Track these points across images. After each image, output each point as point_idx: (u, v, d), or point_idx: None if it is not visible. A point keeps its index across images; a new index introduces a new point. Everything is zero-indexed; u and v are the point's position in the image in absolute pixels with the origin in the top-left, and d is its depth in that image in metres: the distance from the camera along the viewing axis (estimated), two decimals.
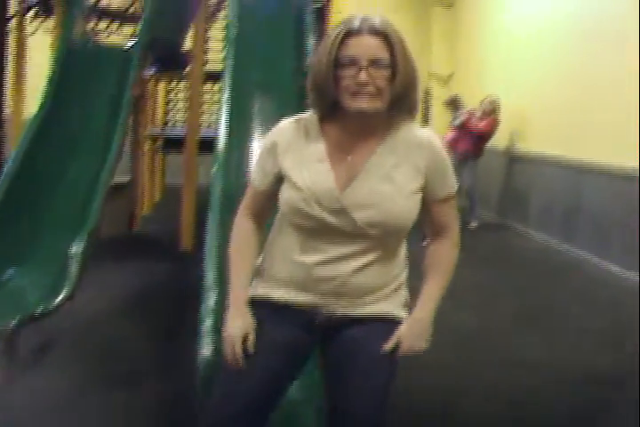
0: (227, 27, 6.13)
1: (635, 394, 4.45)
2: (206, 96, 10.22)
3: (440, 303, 2.43)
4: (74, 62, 6.49)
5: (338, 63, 2.23)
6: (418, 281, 2.45)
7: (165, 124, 11.17)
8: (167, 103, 11.34)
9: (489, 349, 5.30)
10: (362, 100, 2.22)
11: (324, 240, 2.31)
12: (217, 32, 9.35)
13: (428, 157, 2.34)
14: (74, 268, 5.05)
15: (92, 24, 8.18)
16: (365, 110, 2.24)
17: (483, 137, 10.53)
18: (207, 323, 3.62)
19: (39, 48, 8.90)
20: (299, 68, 5.79)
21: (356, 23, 2.23)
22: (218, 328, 3.35)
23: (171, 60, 9.10)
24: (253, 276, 2.48)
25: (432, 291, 2.42)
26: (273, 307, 2.39)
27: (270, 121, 5.27)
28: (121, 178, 8.40)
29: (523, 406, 4.32)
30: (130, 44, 7.13)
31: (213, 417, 2.32)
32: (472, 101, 11.13)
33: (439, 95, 13.60)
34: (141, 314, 5.74)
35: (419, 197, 2.34)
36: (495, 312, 6.27)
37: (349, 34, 2.22)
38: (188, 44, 8.88)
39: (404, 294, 2.48)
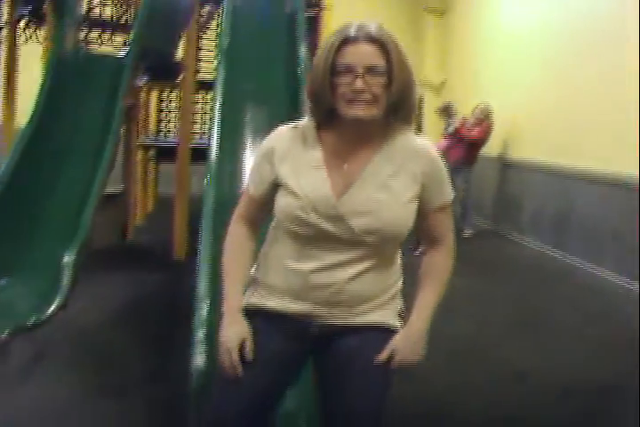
0: (219, 36, 6.13)
1: (630, 402, 4.45)
2: (198, 105, 10.22)
3: (435, 313, 2.42)
4: (66, 72, 6.48)
5: (334, 71, 2.24)
6: (411, 289, 2.45)
7: (158, 133, 11.15)
8: (159, 112, 11.33)
9: (482, 356, 5.29)
10: (358, 107, 2.22)
11: (320, 247, 2.30)
12: (209, 41, 9.36)
13: (424, 166, 2.34)
14: (66, 278, 5.04)
15: (83, 34, 8.17)
16: (362, 118, 2.24)
17: (475, 145, 10.53)
18: (200, 333, 3.61)
19: (31, 58, 8.89)
20: (291, 78, 5.80)
21: (353, 31, 2.23)
22: (211, 338, 3.35)
23: (163, 70, 9.10)
24: (247, 285, 2.47)
25: (427, 301, 2.41)
26: (266, 316, 2.39)
27: (262, 130, 5.28)
28: (113, 188, 8.39)
29: (517, 414, 4.31)
30: (122, 53, 7.12)
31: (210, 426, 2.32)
32: (464, 109, 11.14)
33: (432, 103, 13.62)
34: (134, 324, 5.72)
35: (415, 205, 2.34)
36: (489, 319, 6.27)
37: (346, 41, 2.23)
38: (180, 53, 8.88)
39: (398, 303, 2.48)
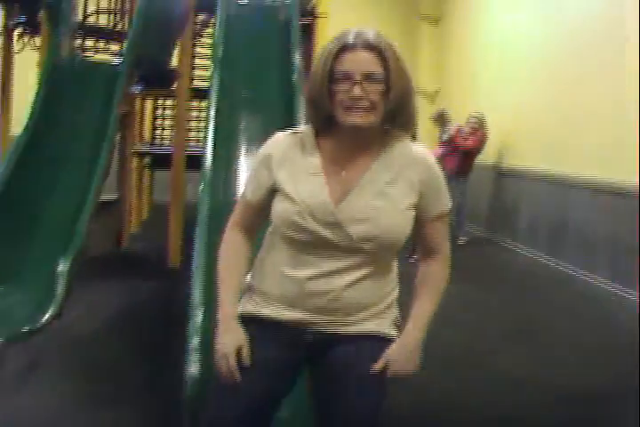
0: (213, 44, 6.14)
1: (628, 408, 4.45)
2: (193, 113, 10.22)
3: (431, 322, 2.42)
4: (61, 80, 6.48)
5: (332, 78, 2.24)
6: (407, 298, 2.45)
7: (153, 140, 11.14)
8: (154, 120, 11.32)
9: (478, 364, 5.29)
10: (356, 114, 2.22)
11: (317, 254, 2.29)
12: (204, 49, 9.37)
13: (422, 174, 2.34)
14: (61, 286, 5.02)
15: (78, 42, 8.17)
16: (359, 125, 2.24)
17: (470, 154, 10.52)
18: (194, 340, 3.61)
19: (26, 66, 8.89)
20: (285, 85, 5.80)
21: (351, 38, 2.24)
22: (205, 346, 3.34)
23: (158, 77, 9.08)
24: (242, 292, 2.46)
25: (423, 311, 2.40)
26: (262, 324, 2.38)
27: (257, 138, 5.30)
28: (108, 195, 8.38)
29: (513, 421, 4.31)
30: (117, 61, 7.13)
31: None
32: (459, 117, 11.16)
33: (426, 111, 13.63)
34: (129, 332, 5.71)
35: (412, 212, 2.34)
36: (483, 327, 6.27)
37: (344, 48, 2.23)
38: (175, 61, 8.89)
39: (394, 311, 2.47)
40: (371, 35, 2.25)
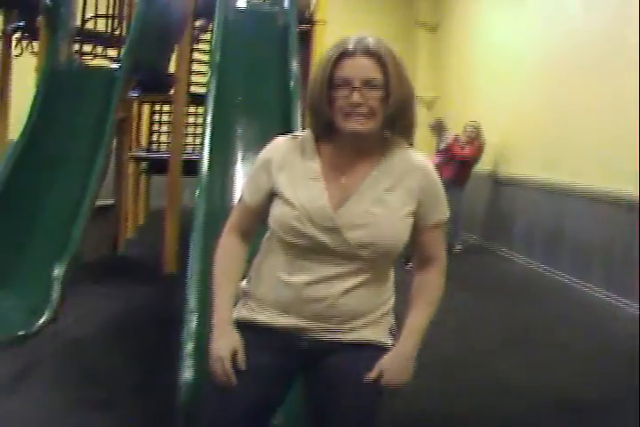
0: (211, 50, 6.15)
1: (620, 417, 4.46)
2: (190, 118, 10.22)
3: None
4: (58, 84, 6.49)
5: (332, 84, 2.24)
6: (402, 305, 2.45)
7: (150, 146, 11.14)
8: (151, 125, 11.31)
9: (472, 372, 5.29)
10: (355, 121, 2.23)
11: (314, 260, 2.29)
12: (201, 55, 9.37)
13: (422, 181, 2.34)
14: (56, 291, 5.01)
15: (76, 47, 8.18)
16: (359, 131, 2.24)
17: (467, 164, 10.49)
18: (189, 346, 3.61)
19: (24, 70, 8.89)
20: (282, 92, 5.81)
21: (351, 44, 2.24)
22: (200, 351, 3.34)
23: (155, 83, 9.09)
24: (238, 297, 2.46)
25: (418, 321, 2.39)
26: (257, 330, 2.37)
27: (254, 144, 5.32)
28: (105, 200, 8.38)
29: None
30: (115, 66, 7.13)
31: None
32: (457, 124, 11.16)
33: (424, 119, 13.63)
34: (123, 337, 5.71)
35: (411, 220, 2.33)
36: (478, 335, 6.27)
37: (343, 55, 2.23)
38: (172, 66, 8.89)
39: (390, 320, 2.46)
40: (371, 41, 2.25)
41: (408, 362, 2.37)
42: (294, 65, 5.92)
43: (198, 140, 9.48)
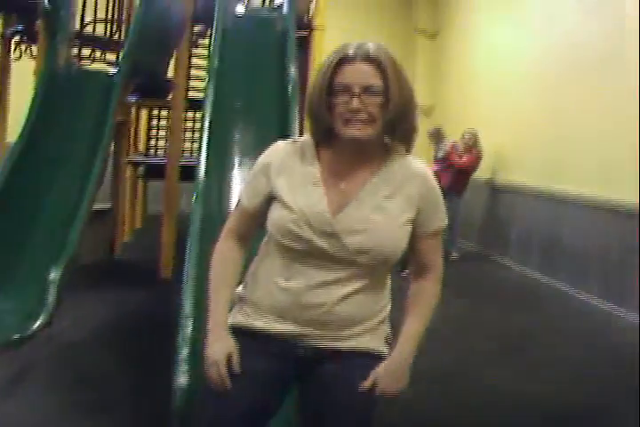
0: (209, 55, 6.15)
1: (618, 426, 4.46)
2: (188, 124, 10.22)
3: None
4: (57, 88, 6.49)
5: (332, 90, 2.23)
6: (397, 313, 2.44)
7: (147, 150, 11.15)
8: (149, 130, 11.33)
9: (467, 380, 5.28)
10: (354, 127, 2.22)
11: (311, 265, 2.28)
12: (199, 60, 9.38)
13: (421, 188, 2.33)
14: (51, 294, 5.01)
15: (75, 51, 8.19)
16: (358, 137, 2.23)
17: (464, 172, 10.50)
18: (184, 351, 3.61)
19: (23, 74, 8.90)
20: (280, 98, 5.82)
21: (351, 50, 2.23)
22: (195, 356, 3.34)
23: (153, 88, 9.11)
24: (234, 302, 2.45)
25: (413, 330, 2.38)
26: (252, 336, 2.36)
27: (251, 149, 5.32)
28: (102, 204, 8.38)
29: None
30: (113, 70, 7.14)
31: None
32: (454, 132, 11.17)
33: (422, 126, 13.62)
34: (119, 341, 5.70)
35: (409, 227, 2.32)
36: (474, 343, 6.27)
37: (343, 61, 2.22)
38: (171, 71, 8.90)
39: (386, 328, 2.45)
40: (371, 47, 2.24)
41: (403, 371, 2.36)
42: (292, 71, 5.93)
43: (196, 146, 9.50)
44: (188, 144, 10.34)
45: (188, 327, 3.77)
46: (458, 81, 13.62)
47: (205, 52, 8.60)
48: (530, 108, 10.12)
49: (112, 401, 4.47)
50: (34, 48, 8.60)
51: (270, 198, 2.36)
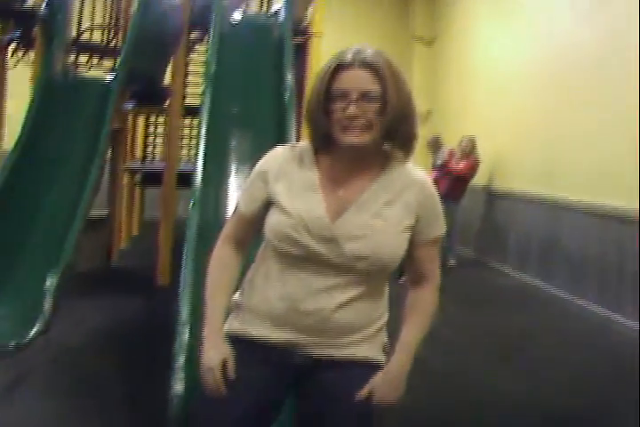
0: (206, 62, 6.15)
1: None
2: (185, 130, 10.23)
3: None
4: (53, 95, 6.50)
5: (329, 96, 2.22)
6: (396, 322, 2.43)
7: (144, 157, 11.15)
8: (146, 137, 11.33)
9: (467, 387, 5.27)
10: (352, 133, 2.20)
11: (309, 271, 2.26)
12: (196, 66, 9.39)
13: (420, 196, 2.32)
14: (48, 302, 5.00)
15: (72, 57, 8.19)
16: (356, 144, 2.22)
17: (462, 178, 10.49)
18: (181, 358, 3.60)
19: (20, 80, 8.89)
20: (277, 104, 5.81)
21: (349, 56, 2.22)
22: (191, 363, 3.33)
23: (150, 95, 9.11)
24: (230, 309, 2.44)
25: (411, 339, 2.36)
26: (249, 344, 2.34)
27: (248, 156, 5.32)
28: (99, 211, 8.38)
29: None
30: (110, 77, 7.14)
31: None
32: (451, 139, 11.17)
33: (420, 133, 13.62)
34: (115, 349, 5.69)
35: (408, 235, 2.31)
36: (472, 349, 6.26)
37: (341, 67, 2.21)
38: (167, 78, 8.90)
39: (384, 337, 2.44)
40: (369, 52, 2.23)
41: (400, 380, 2.34)
42: (289, 77, 5.92)
43: (193, 152, 9.49)
44: (184, 151, 10.34)
45: (184, 334, 3.76)
46: (455, 87, 13.63)
47: (202, 58, 8.60)
48: (527, 113, 10.13)
49: (109, 408, 4.46)
50: (31, 55, 8.59)
51: (268, 204, 2.35)
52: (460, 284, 8.85)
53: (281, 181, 2.34)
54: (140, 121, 11.43)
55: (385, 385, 2.30)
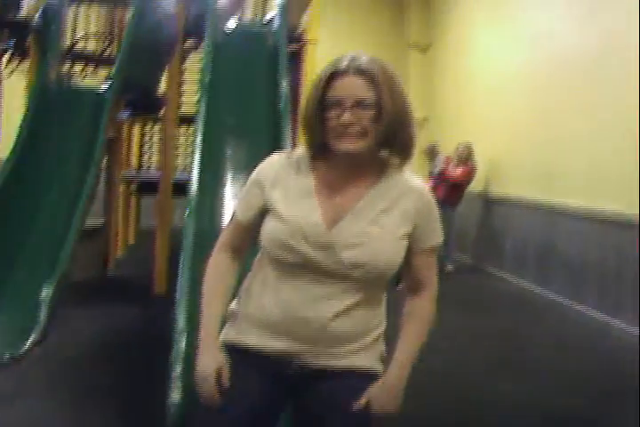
0: (201, 71, 6.15)
1: None
2: (181, 139, 10.23)
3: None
4: (48, 104, 6.49)
5: (325, 104, 2.22)
6: (394, 330, 2.42)
7: (140, 166, 11.15)
8: (142, 146, 11.33)
9: (465, 393, 5.25)
10: (347, 141, 2.20)
11: (305, 279, 2.25)
12: (191, 75, 9.38)
13: (417, 205, 2.31)
14: (44, 312, 4.99)
15: (67, 67, 8.19)
16: (351, 151, 2.22)
17: (459, 184, 10.50)
18: (178, 367, 3.58)
19: (14, 90, 8.89)
20: (272, 112, 5.81)
21: (344, 63, 2.22)
22: (188, 372, 3.32)
23: (145, 104, 9.11)
24: (226, 319, 2.43)
25: (408, 348, 2.35)
26: (245, 353, 2.34)
27: (243, 165, 5.31)
28: (95, 221, 8.36)
29: None
30: (104, 86, 7.13)
31: None
32: (448, 146, 11.18)
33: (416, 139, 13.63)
34: (112, 358, 5.66)
35: (405, 242, 2.30)
36: (470, 355, 6.25)
37: (336, 74, 2.21)
38: (162, 87, 8.90)
39: (381, 346, 2.43)
40: (364, 60, 2.22)
41: (398, 389, 2.32)
42: (284, 85, 5.92)
43: (188, 161, 9.48)
44: (180, 159, 10.34)
45: (181, 343, 3.75)
46: (451, 94, 13.65)
47: (197, 66, 8.60)
48: (523, 120, 10.14)
49: (106, 417, 4.44)
50: (25, 64, 8.59)
51: (265, 211, 2.34)
52: (458, 290, 8.85)
53: (277, 188, 2.33)
54: (136, 130, 11.43)
55: (383, 395, 2.29)
